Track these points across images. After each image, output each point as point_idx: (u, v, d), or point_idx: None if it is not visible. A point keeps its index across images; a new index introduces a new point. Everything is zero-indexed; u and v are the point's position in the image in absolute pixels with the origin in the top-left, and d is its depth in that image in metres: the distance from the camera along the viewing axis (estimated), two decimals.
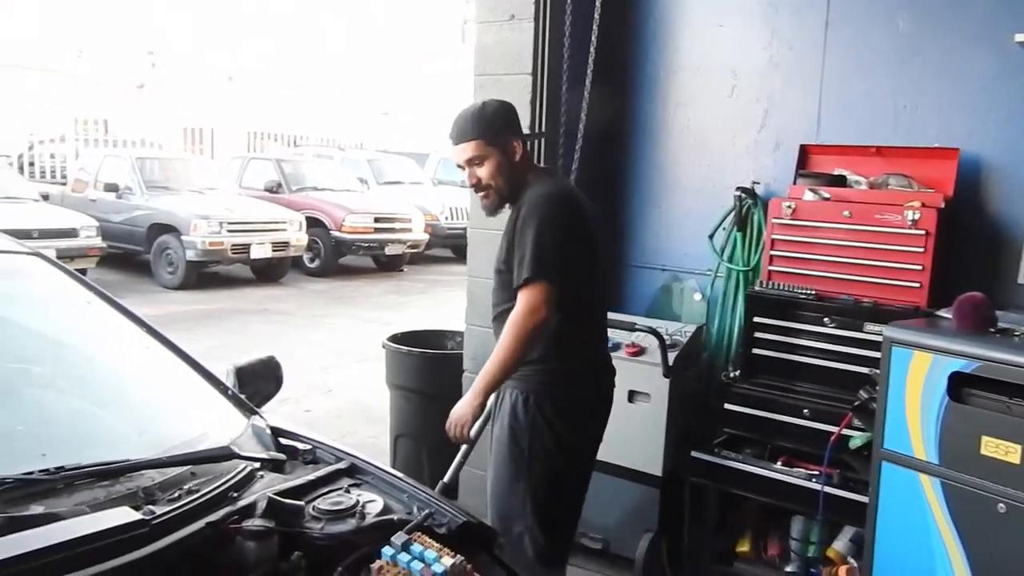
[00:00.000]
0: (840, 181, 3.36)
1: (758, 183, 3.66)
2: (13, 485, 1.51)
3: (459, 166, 2.73)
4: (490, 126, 2.66)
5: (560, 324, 2.57)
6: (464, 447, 2.87)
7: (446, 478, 2.91)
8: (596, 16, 3.60)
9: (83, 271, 7.02)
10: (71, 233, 9.90)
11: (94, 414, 2.06)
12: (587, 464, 2.84)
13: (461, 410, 2.61)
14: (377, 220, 12.58)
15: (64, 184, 12.95)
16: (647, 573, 3.45)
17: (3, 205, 9.79)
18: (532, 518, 2.67)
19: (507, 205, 2.73)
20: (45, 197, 11.26)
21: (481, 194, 2.72)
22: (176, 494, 1.60)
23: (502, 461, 2.71)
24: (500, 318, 2.67)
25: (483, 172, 2.66)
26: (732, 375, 3.45)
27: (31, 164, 14.31)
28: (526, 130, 3.52)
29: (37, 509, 1.48)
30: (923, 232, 3.00)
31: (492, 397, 2.72)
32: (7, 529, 1.38)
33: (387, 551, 1.56)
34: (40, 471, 1.56)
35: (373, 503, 1.74)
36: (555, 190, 2.69)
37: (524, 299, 2.52)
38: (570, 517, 2.85)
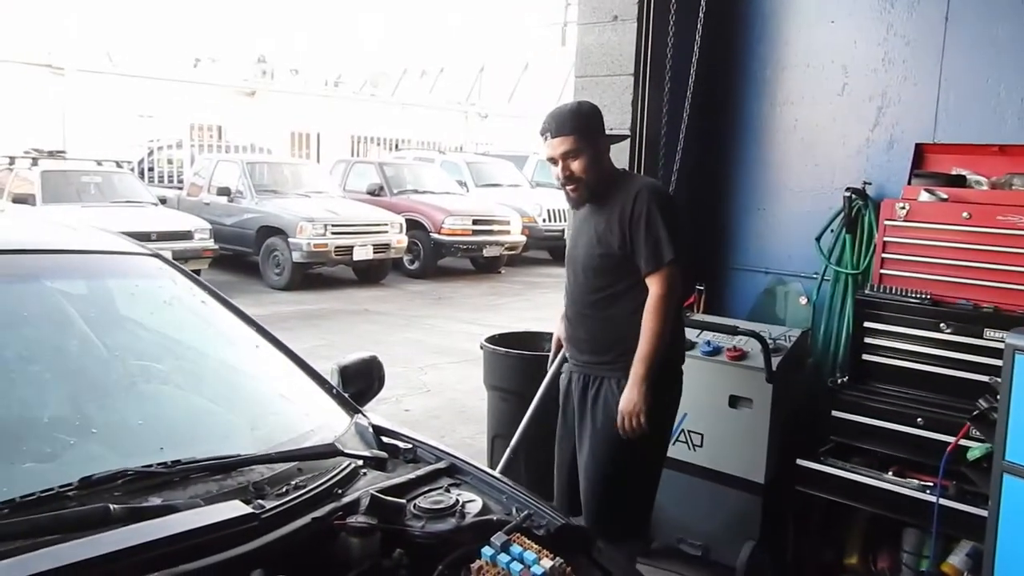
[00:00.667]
0: (959, 181, 3.22)
1: (869, 183, 3.53)
2: (133, 477, 1.58)
3: (551, 159, 2.82)
4: (587, 124, 2.79)
5: None
6: (512, 442, 3.09)
7: (497, 471, 2.95)
8: (701, 15, 3.55)
9: (197, 272, 7.31)
10: (186, 235, 10.29)
11: (208, 410, 2.14)
12: (666, 446, 2.98)
13: (632, 401, 2.67)
14: (475, 222, 12.68)
15: (180, 188, 13.50)
16: None
17: (125, 209, 10.29)
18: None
19: (587, 202, 2.85)
20: (163, 201, 11.75)
21: (571, 187, 2.82)
22: (284, 489, 1.65)
23: (604, 445, 2.78)
24: (601, 303, 2.80)
25: (576, 166, 2.77)
26: (840, 381, 3.33)
27: (150, 169, 14.96)
28: (624, 131, 3.55)
29: (155, 501, 1.54)
30: None
31: (572, 384, 2.92)
32: (128, 519, 1.44)
33: (487, 551, 1.56)
34: (158, 464, 1.63)
35: (472, 503, 1.75)
36: (660, 184, 2.92)
37: (664, 281, 2.66)
38: (649, 498, 2.95)
